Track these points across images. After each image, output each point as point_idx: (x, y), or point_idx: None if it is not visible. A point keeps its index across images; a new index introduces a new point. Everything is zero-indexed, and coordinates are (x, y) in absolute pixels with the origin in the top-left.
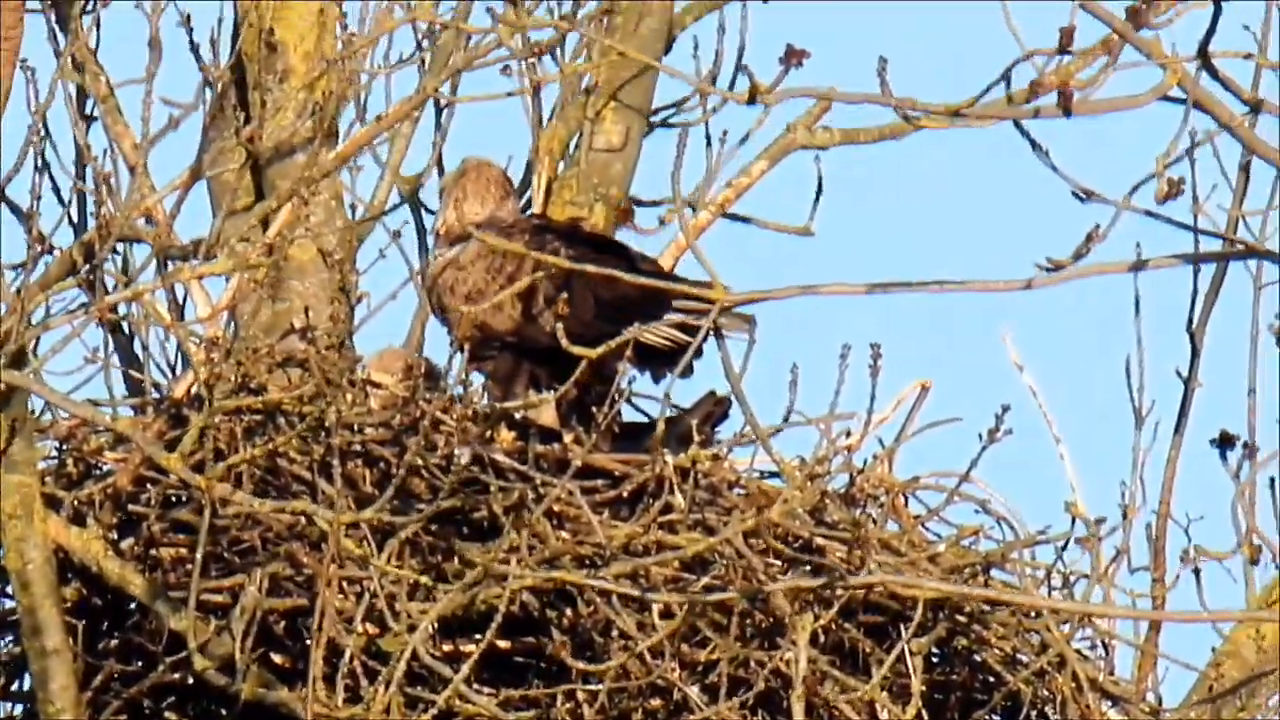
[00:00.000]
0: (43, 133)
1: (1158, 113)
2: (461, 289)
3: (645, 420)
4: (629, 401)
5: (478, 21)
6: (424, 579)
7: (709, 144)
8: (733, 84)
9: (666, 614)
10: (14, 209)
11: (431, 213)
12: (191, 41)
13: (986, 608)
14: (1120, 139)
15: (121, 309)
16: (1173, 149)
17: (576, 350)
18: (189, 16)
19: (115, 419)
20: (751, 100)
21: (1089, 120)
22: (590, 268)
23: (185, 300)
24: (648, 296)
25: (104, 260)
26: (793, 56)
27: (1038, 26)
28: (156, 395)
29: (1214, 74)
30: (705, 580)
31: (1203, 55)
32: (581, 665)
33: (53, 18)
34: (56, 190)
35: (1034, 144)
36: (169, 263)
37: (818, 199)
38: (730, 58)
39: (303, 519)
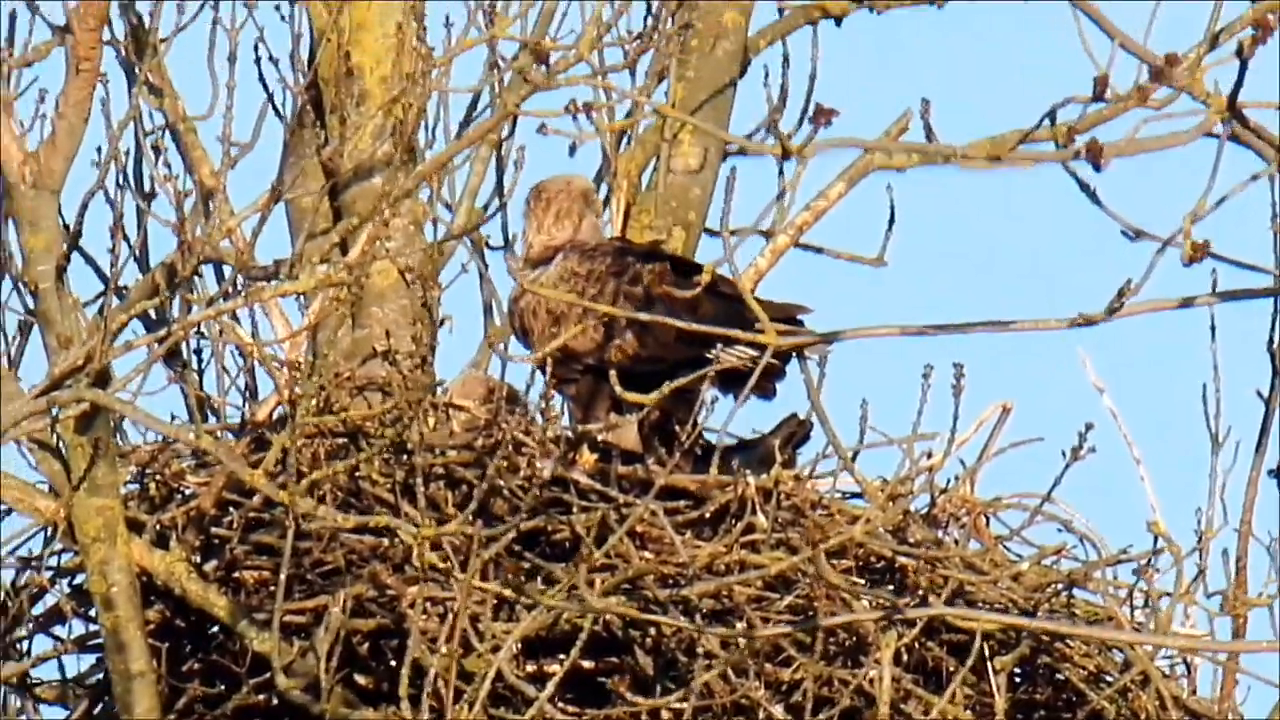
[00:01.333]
0: (120, 152)
1: (1207, 150)
2: (544, 312)
3: (729, 442)
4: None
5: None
6: (508, 591)
7: (781, 173)
8: (803, 114)
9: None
10: (84, 255)
11: (494, 248)
12: (269, 56)
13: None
14: (1174, 172)
15: (197, 335)
16: (1200, 208)
17: (630, 397)
18: (263, 34)
19: (199, 437)
20: (786, 156)
21: (1136, 160)
22: (644, 316)
23: (258, 325)
24: (729, 318)
25: (186, 281)
26: (821, 115)
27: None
28: (236, 423)
29: (1245, 124)
30: (789, 599)
31: (1232, 107)
32: (642, 701)
33: (130, 49)
34: (122, 225)
35: (1081, 184)
36: (250, 285)
37: (890, 228)
38: (802, 85)
39: (385, 540)
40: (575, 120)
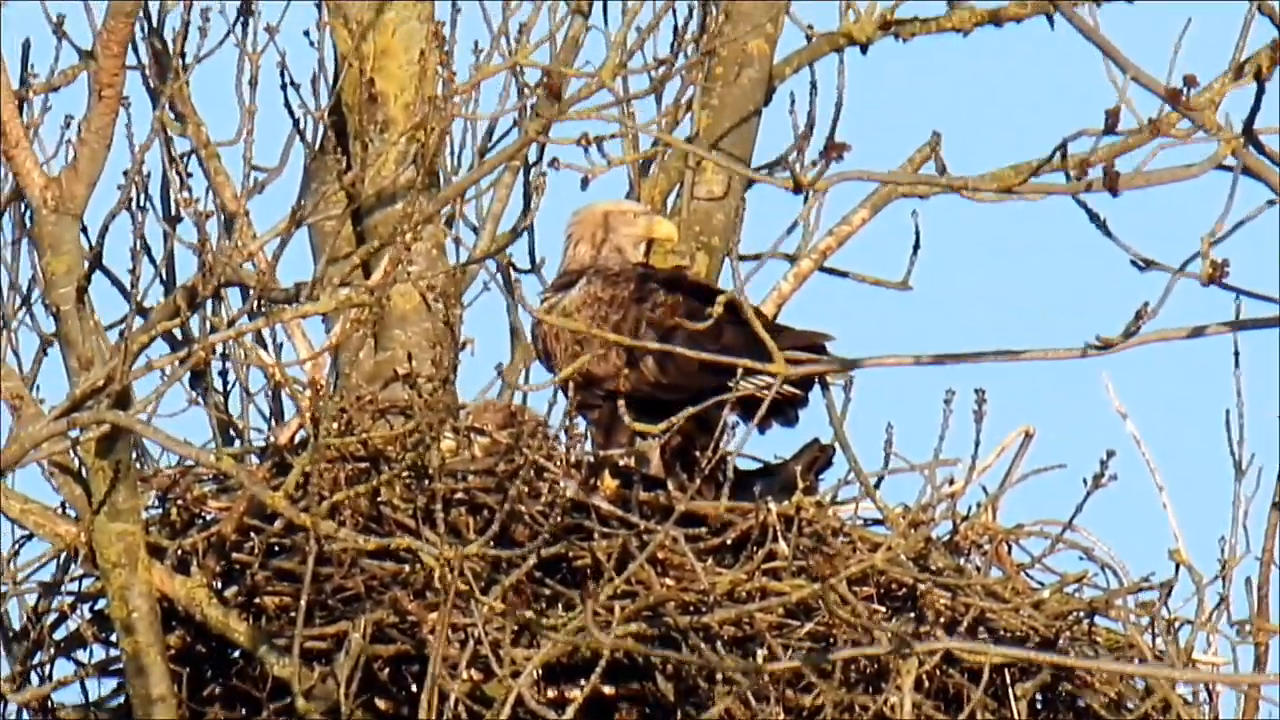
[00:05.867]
0: (141, 175)
1: (1216, 181)
2: (566, 335)
3: (752, 468)
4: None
5: (580, 67)
6: (529, 614)
7: (805, 198)
8: (828, 142)
9: (772, 659)
10: (109, 276)
11: (522, 271)
12: (290, 81)
13: (1088, 652)
14: (1185, 205)
15: (220, 358)
16: (1218, 229)
17: (639, 427)
18: (286, 67)
19: (220, 459)
20: (798, 190)
21: (1147, 190)
22: (654, 346)
23: (282, 347)
24: (751, 345)
25: (206, 301)
26: (832, 150)
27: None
28: (260, 447)
29: (1260, 149)
30: (809, 626)
31: (1248, 133)
32: None
33: (153, 73)
34: (148, 249)
35: (1091, 215)
36: (271, 307)
37: (915, 253)
38: (828, 112)
39: (407, 566)
40: (587, 153)
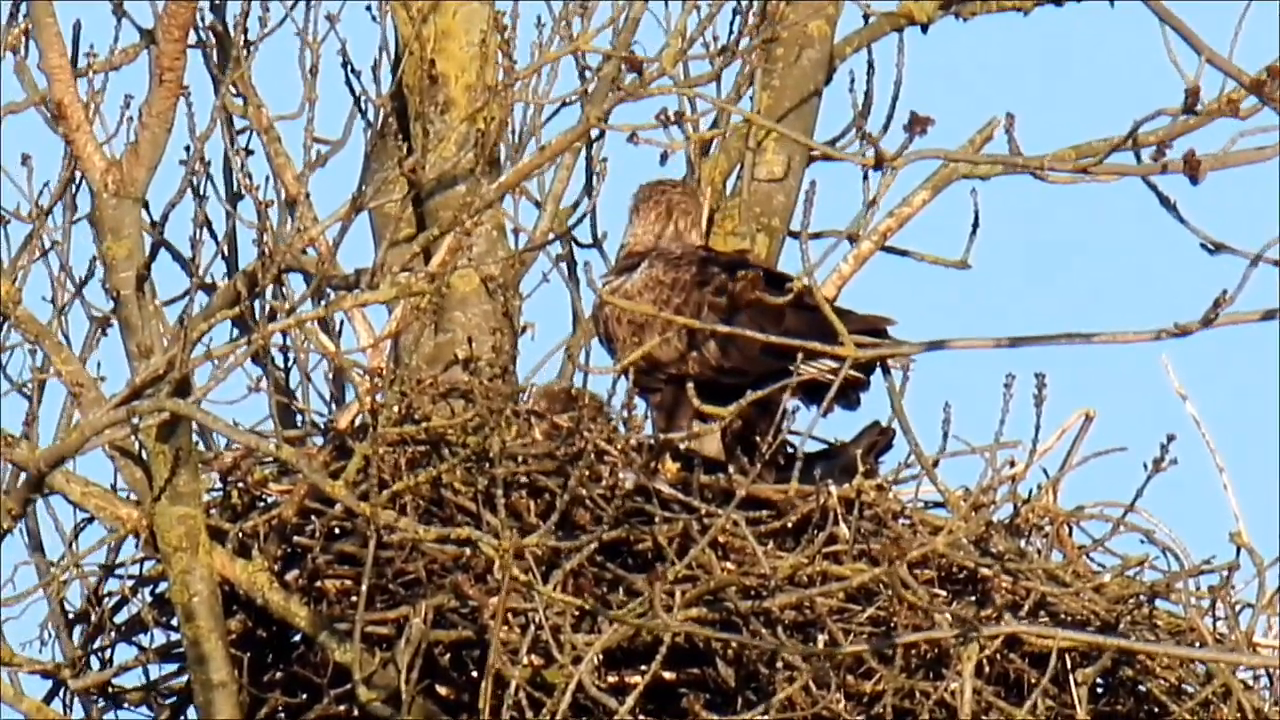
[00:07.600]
0: (203, 161)
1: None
2: (627, 318)
3: (814, 451)
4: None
5: (639, 52)
6: (589, 603)
7: (865, 177)
8: (887, 121)
9: (833, 644)
10: (172, 252)
11: (584, 246)
12: (351, 68)
13: (1149, 636)
14: (1247, 186)
15: (279, 341)
16: None
17: (708, 410)
18: (345, 46)
19: (280, 448)
20: (878, 166)
21: (1222, 174)
22: (724, 329)
23: (343, 325)
24: (814, 330)
25: (267, 289)
26: (916, 124)
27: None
28: (319, 426)
29: None
30: (870, 611)
31: None
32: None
33: (214, 53)
34: (210, 226)
35: (1163, 198)
36: (331, 293)
37: (974, 232)
38: (887, 91)
39: (468, 550)
40: (666, 130)
